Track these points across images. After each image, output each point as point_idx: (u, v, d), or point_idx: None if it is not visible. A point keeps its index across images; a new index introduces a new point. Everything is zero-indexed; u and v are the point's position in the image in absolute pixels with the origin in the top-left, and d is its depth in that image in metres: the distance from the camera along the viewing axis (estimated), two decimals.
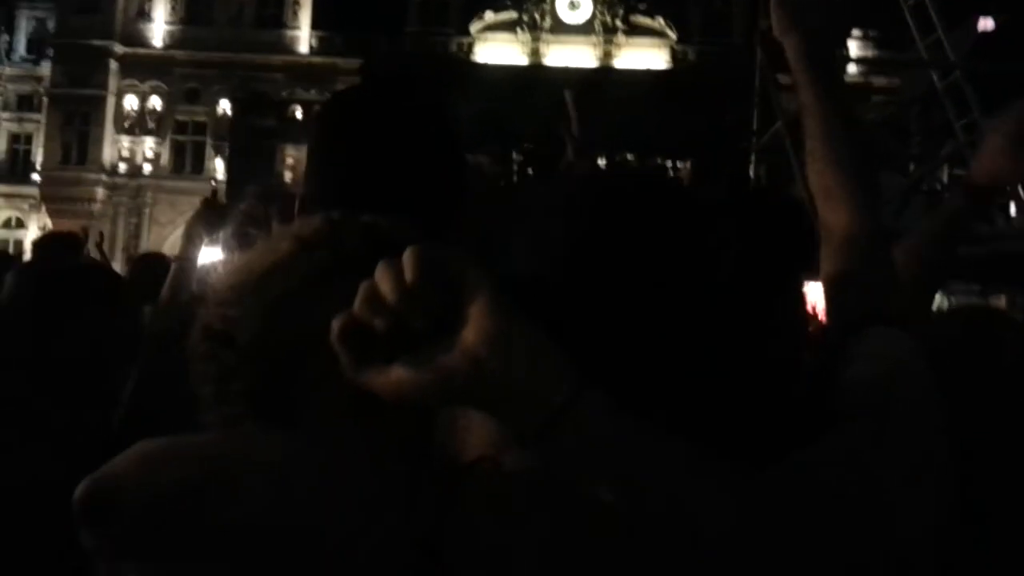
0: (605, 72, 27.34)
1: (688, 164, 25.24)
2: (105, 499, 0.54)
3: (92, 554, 0.56)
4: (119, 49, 30.95)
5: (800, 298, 1.05)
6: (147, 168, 31.35)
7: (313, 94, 30.81)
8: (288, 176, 31.10)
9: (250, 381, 0.65)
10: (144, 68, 31.09)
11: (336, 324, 0.53)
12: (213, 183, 28.35)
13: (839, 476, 0.58)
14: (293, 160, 31.22)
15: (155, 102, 31.55)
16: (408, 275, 0.52)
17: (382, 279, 0.52)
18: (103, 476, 0.55)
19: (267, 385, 0.65)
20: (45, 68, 31.38)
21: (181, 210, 30.88)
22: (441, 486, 0.55)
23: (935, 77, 7.41)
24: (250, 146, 26.78)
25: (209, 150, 31.18)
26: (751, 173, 7.70)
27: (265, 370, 0.65)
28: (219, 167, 29.71)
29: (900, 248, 1.26)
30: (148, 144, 31.48)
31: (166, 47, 31.43)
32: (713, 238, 0.65)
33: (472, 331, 0.51)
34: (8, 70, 31.94)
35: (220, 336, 0.67)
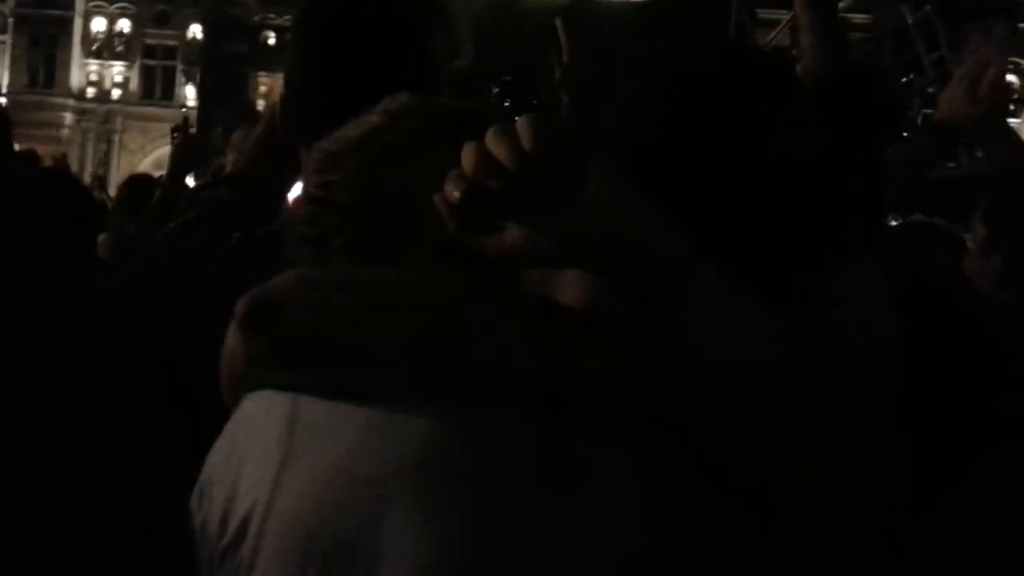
0: (587, 1, 27.02)
1: None
2: (268, 311, 0.58)
3: (256, 361, 0.59)
4: None
5: (878, 170, 1.16)
6: (116, 93, 30.72)
7: (287, 20, 30.20)
8: (260, 103, 30.63)
9: (351, 237, 0.66)
10: None
11: (452, 186, 0.53)
12: (184, 110, 27.89)
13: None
14: (266, 87, 30.73)
15: (124, 25, 30.78)
16: (527, 141, 0.52)
17: (497, 144, 0.53)
18: (265, 292, 0.60)
19: (367, 238, 0.65)
20: None
21: (151, 137, 30.37)
22: (551, 331, 0.56)
23: (906, 12, 7.43)
24: (222, 72, 26.29)
25: (180, 76, 30.58)
26: None
27: (366, 225, 0.66)
28: (190, 94, 29.20)
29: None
30: (117, 68, 30.80)
31: None
32: (799, 112, 0.69)
33: (597, 195, 0.53)
34: None
35: (320, 199, 0.69)
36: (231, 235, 1.10)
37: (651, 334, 0.54)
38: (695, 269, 0.54)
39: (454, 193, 0.53)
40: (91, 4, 30.55)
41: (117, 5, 30.59)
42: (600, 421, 0.54)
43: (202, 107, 27.27)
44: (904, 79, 8.34)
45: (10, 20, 30.36)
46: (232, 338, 0.62)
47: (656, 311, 0.53)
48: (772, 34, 9.17)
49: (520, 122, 0.53)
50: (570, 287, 0.55)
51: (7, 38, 30.43)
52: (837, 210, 0.78)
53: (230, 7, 28.82)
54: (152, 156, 29.01)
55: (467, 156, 0.54)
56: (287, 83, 1.11)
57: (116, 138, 30.38)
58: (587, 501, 0.54)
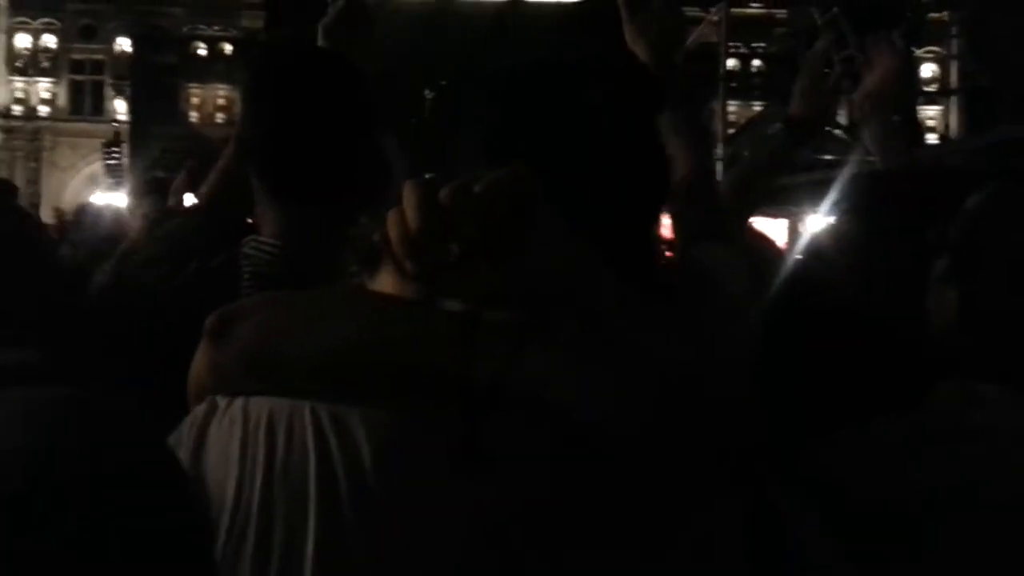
0: (517, 5, 27.08)
1: None
2: (226, 322, 0.69)
3: (215, 376, 0.69)
4: None
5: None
6: (43, 110, 30.01)
7: (216, 29, 29.74)
8: (193, 116, 30.14)
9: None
10: (35, 4, 29.57)
11: (399, 242, 0.58)
12: (115, 124, 27.28)
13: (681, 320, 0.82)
14: (198, 99, 30.21)
15: (48, 40, 30.09)
16: (480, 203, 0.58)
17: (454, 201, 0.57)
18: (228, 310, 0.70)
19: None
20: None
21: (82, 153, 29.64)
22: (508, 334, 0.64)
23: (815, 13, 7.70)
24: (152, 85, 25.83)
25: (109, 90, 29.97)
26: None
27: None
28: (120, 107, 28.62)
29: (728, 176, 1.53)
30: (43, 85, 30.09)
31: None
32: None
33: (543, 244, 0.60)
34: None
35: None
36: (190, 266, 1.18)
37: (584, 353, 0.64)
38: (621, 301, 0.66)
39: (400, 254, 0.59)
40: (14, 20, 29.81)
41: (41, 20, 29.90)
42: (505, 421, 0.64)
43: (134, 121, 26.73)
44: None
45: None
46: (200, 350, 0.70)
47: (587, 337, 0.64)
48: (697, 31, 9.41)
49: (475, 186, 0.58)
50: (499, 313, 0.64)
51: None
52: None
53: (158, 19, 28.33)
54: (84, 172, 28.39)
55: (416, 207, 0.57)
56: (241, 129, 1.21)
57: (45, 155, 29.67)
58: (490, 486, 0.63)
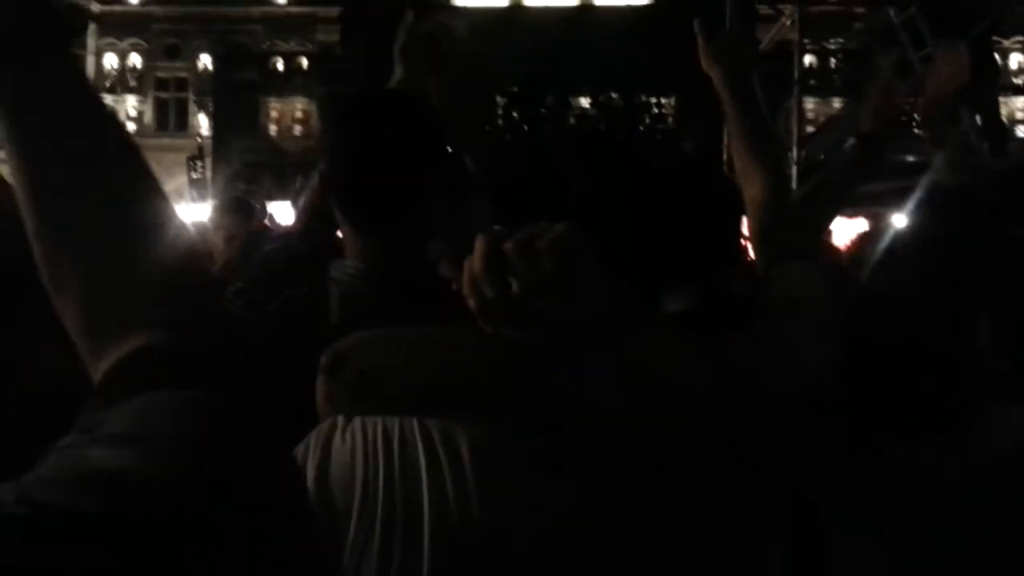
0: (587, 9, 27.10)
1: (672, 100, 25.15)
2: (337, 358, 0.79)
3: (333, 403, 0.79)
4: (96, 7, 30.54)
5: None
6: (131, 127, 31.12)
7: (293, 45, 30.46)
8: (273, 129, 30.93)
9: None
10: (122, 26, 30.73)
11: (469, 289, 0.69)
12: (198, 139, 28.15)
13: (761, 346, 0.87)
14: (277, 112, 30.98)
15: (135, 59, 31.24)
16: (545, 259, 0.68)
17: (516, 255, 0.68)
18: (339, 345, 0.81)
19: None
20: None
21: (167, 167, 30.53)
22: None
23: (892, 12, 7.48)
24: (233, 100, 26.58)
25: (192, 106, 30.94)
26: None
27: None
28: (203, 123, 29.51)
29: (806, 186, 1.54)
30: (131, 102, 31.24)
31: (143, 3, 31.03)
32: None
33: (591, 295, 0.70)
34: None
35: None
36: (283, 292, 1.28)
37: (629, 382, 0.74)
38: (659, 334, 0.75)
39: (472, 296, 0.70)
40: (103, 41, 31.03)
41: (128, 41, 31.06)
42: (576, 436, 0.75)
43: (216, 135, 27.57)
44: (898, 75, 8.39)
45: None
46: (319, 382, 0.82)
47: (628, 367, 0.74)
48: (773, 29, 9.27)
49: (541, 239, 0.68)
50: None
51: None
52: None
53: (238, 36, 29.14)
54: (170, 186, 29.20)
55: (483, 262, 0.69)
56: (324, 167, 1.31)
57: None
58: (570, 488, 0.74)
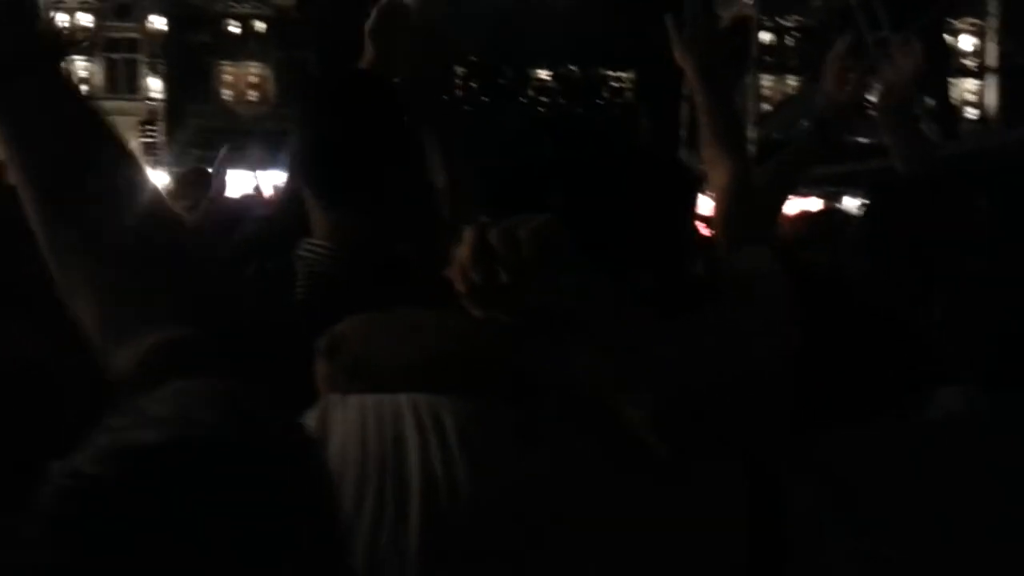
0: None
1: (631, 74, 25.17)
2: (335, 340, 0.85)
3: (330, 382, 0.84)
4: None
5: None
6: (81, 89, 30.35)
7: (248, 7, 29.88)
8: (227, 94, 30.36)
9: None
10: None
11: (459, 275, 0.76)
12: (149, 103, 27.56)
13: (720, 324, 0.93)
14: (231, 77, 30.42)
15: (84, 19, 30.42)
16: (525, 247, 0.75)
17: (500, 244, 0.75)
18: (336, 328, 0.85)
19: None
20: None
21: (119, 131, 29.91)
22: None
23: None
24: (186, 63, 26.04)
25: (143, 68, 30.27)
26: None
27: None
28: (154, 86, 28.90)
29: (763, 169, 1.59)
30: (80, 64, 30.45)
31: None
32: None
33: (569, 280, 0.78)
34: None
35: None
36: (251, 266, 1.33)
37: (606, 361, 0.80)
38: (633, 318, 0.81)
39: (461, 282, 0.76)
40: (51, 0, 30.13)
41: (77, 0, 30.24)
42: (554, 403, 0.81)
43: (169, 99, 26.98)
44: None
45: None
46: (317, 363, 0.86)
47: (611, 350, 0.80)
48: (734, 6, 9.31)
49: (522, 229, 0.74)
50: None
51: None
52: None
53: None
54: None
55: (471, 251, 0.75)
56: (294, 147, 1.35)
57: None
58: (547, 458, 0.79)
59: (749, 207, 1.40)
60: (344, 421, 0.83)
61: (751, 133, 7.24)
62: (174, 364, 0.55)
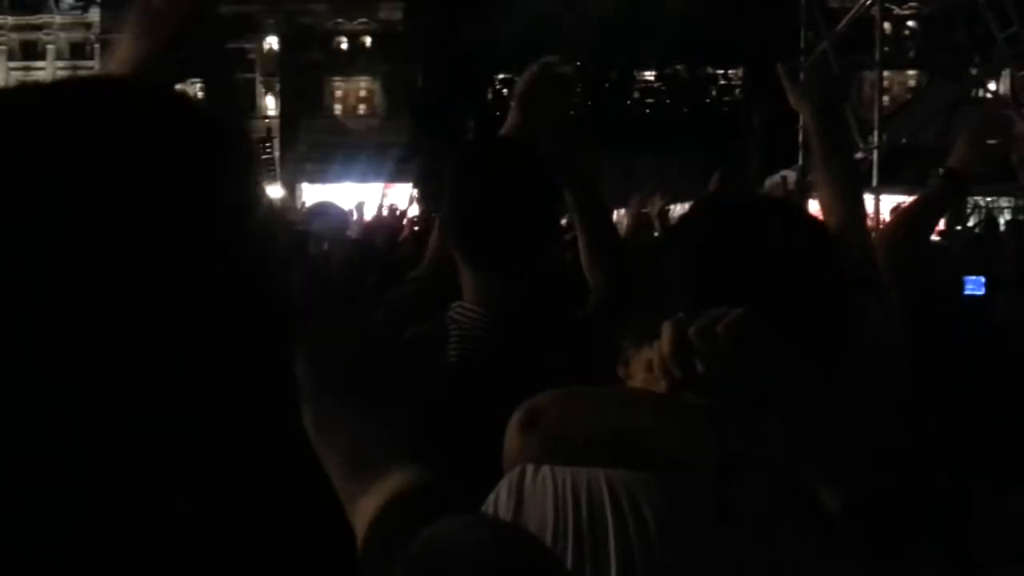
0: None
1: (740, 72, 24.68)
2: (533, 413, 0.86)
3: (526, 453, 0.87)
4: None
5: None
6: None
7: (356, 24, 30.69)
8: (337, 108, 31.28)
9: None
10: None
11: (660, 368, 0.78)
12: (266, 120, 28.61)
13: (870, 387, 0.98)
14: (341, 92, 31.35)
15: None
16: (725, 341, 0.77)
17: (701, 339, 0.77)
18: (535, 401, 0.87)
19: None
20: (94, 14, 31.77)
21: None
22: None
23: None
24: (298, 81, 26.91)
25: (259, 87, 31.44)
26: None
27: None
28: (270, 104, 29.97)
29: (898, 222, 1.61)
30: (199, 85, 31.83)
31: None
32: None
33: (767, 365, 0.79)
34: (58, 18, 32.42)
35: None
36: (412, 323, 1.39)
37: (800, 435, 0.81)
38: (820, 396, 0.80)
39: (662, 376, 0.78)
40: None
41: None
42: (751, 481, 0.82)
43: (283, 116, 28.00)
44: (981, 52, 8.00)
45: (96, 46, 31.71)
46: (512, 434, 0.88)
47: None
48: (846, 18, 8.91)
49: (721, 324, 0.76)
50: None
51: (95, 64, 31.74)
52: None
53: (303, 16, 29.45)
54: None
55: (671, 348, 0.77)
56: (445, 213, 1.41)
57: None
58: (747, 535, 0.80)
59: (861, 251, 1.42)
60: (537, 492, 0.84)
61: (875, 137, 6.81)
62: (424, 512, 0.58)
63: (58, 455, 0.34)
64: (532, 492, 0.84)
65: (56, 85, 0.40)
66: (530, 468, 0.85)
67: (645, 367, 0.90)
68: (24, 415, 0.34)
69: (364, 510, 0.64)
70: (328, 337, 0.73)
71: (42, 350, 0.34)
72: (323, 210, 3.89)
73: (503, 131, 1.55)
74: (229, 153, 0.40)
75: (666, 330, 0.78)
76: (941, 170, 1.65)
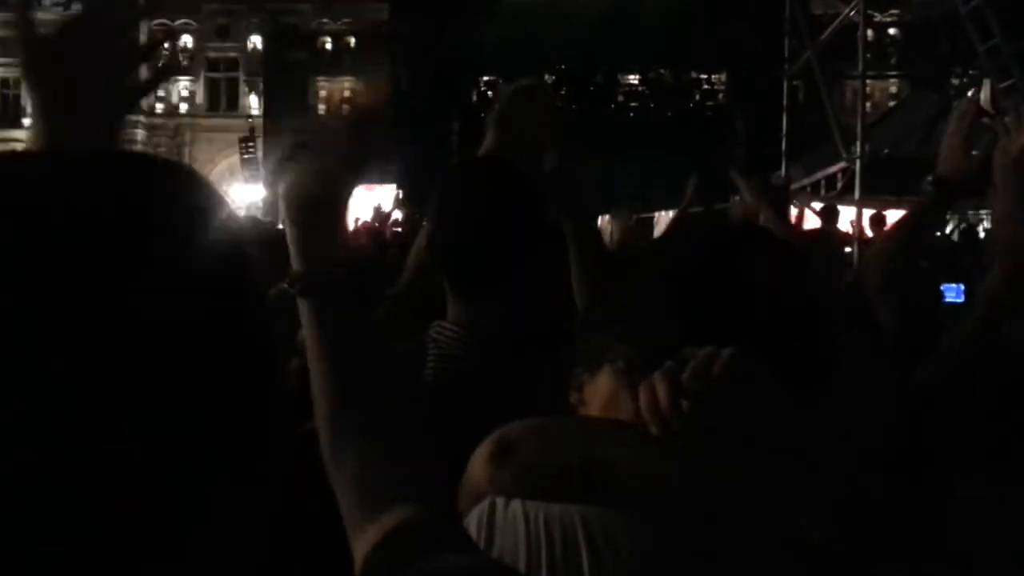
0: None
1: (723, 77, 24.74)
2: (504, 444, 0.83)
3: (496, 486, 0.84)
4: None
5: None
6: (183, 107, 31.57)
7: (341, 24, 30.57)
8: (322, 108, 31.09)
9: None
10: (173, 6, 31.08)
11: (649, 414, 0.75)
12: (249, 120, 28.44)
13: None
14: (326, 92, 31.20)
15: (186, 40, 31.60)
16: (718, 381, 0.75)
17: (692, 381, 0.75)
18: (506, 431, 0.84)
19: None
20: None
21: (219, 147, 31.03)
22: None
23: (959, 1, 7.13)
24: (283, 80, 26.78)
25: (243, 86, 31.25)
26: (783, 100, 7.66)
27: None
28: (253, 103, 29.79)
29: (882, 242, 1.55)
30: (183, 83, 31.64)
31: None
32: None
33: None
34: (40, 15, 31.79)
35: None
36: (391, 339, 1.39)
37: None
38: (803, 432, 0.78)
39: (653, 421, 0.75)
40: (155, 23, 31.41)
41: (179, 22, 31.42)
42: (731, 519, 0.80)
43: (267, 115, 27.83)
44: (963, 63, 8.03)
45: None
46: (480, 465, 0.85)
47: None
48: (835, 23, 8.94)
49: (715, 366, 0.74)
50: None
51: None
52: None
53: (287, 16, 29.31)
54: (222, 165, 29.68)
55: (666, 395, 0.75)
56: (429, 232, 1.40)
57: (186, 150, 31.18)
58: (728, 570, 0.79)
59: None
60: (508, 528, 0.81)
61: (858, 148, 6.81)
62: (421, 547, 0.59)
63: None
64: (503, 527, 0.81)
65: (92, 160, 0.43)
66: (500, 502, 0.82)
67: (604, 397, 0.90)
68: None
69: (366, 541, 0.64)
70: (339, 366, 0.75)
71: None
72: None
73: (481, 152, 1.54)
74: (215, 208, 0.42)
75: (659, 378, 0.76)
76: (929, 178, 1.58)
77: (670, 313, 0.87)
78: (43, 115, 0.85)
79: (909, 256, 1.59)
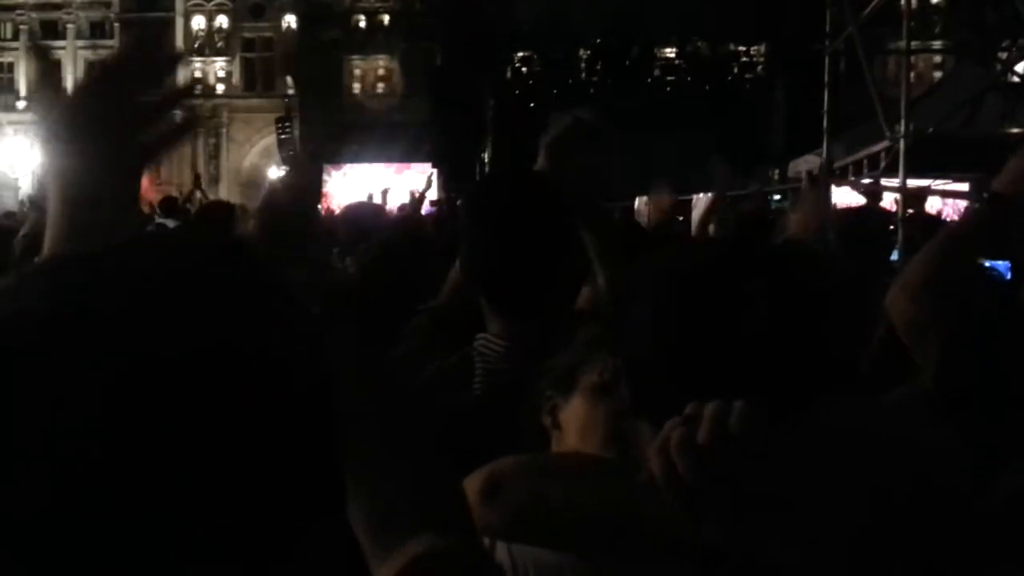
0: None
1: (762, 48, 24.38)
2: (492, 484, 0.82)
3: (487, 528, 0.82)
4: None
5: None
6: (220, 88, 31.76)
7: (377, 3, 30.52)
8: (356, 87, 31.20)
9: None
10: None
11: (659, 468, 0.73)
12: (285, 99, 28.56)
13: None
14: (360, 71, 31.25)
15: (221, 20, 31.74)
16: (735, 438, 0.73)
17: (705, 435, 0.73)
18: (494, 471, 0.83)
19: None
20: None
21: (257, 127, 31.23)
22: None
23: None
24: (317, 59, 26.85)
25: (277, 66, 31.33)
26: (825, 76, 7.44)
27: None
28: (289, 82, 29.87)
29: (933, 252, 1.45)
30: (219, 64, 31.81)
31: None
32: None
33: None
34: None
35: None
36: (432, 353, 1.41)
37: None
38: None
39: (662, 474, 0.73)
40: (190, 3, 31.59)
41: (215, 2, 31.56)
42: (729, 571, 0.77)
43: (300, 94, 27.97)
44: (1011, 37, 7.78)
45: (116, 24, 31.72)
46: (470, 496, 0.83)
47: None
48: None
49: (730, 420, 0.72)
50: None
51: (115, 43, 31.74)
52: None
53: None
54: (259, 146, 29.87)
55: (683, 454, 0.72)
56: (466, 257, 1.40)
57: (224, 131, 31.42)
58: None
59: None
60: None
61: (902, 127, 6.61)
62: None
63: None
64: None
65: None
66: (486, 543, 0.81)
67: (582, 421, 0.88)
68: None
69: (389, 568, 0.64)
70: (361, 392, 0.73)
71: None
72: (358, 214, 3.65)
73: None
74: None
75: (674, 433, 0.74)
76: (985, 195, 1.47)
77: (669, 316, 0.84)
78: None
79: (953, 284, 1.41)
